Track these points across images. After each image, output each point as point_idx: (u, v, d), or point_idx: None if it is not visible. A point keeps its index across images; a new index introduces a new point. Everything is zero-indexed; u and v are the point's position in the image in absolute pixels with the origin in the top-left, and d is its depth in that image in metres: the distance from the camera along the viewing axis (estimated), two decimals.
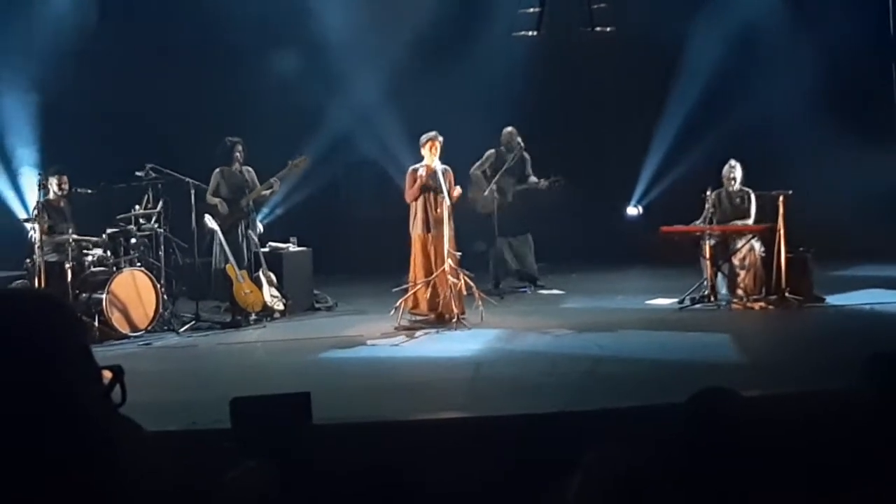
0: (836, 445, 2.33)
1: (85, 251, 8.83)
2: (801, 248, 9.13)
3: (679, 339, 7.76)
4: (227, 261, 9.16)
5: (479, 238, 10.66)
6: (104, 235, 8.99)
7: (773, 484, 2.13)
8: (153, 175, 9.20)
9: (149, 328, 8.69)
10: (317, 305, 10.06)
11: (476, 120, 11.08)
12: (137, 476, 1.59)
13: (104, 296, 8.36)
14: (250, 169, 9.67)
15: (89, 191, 9.28)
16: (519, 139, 10.52)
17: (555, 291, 10.63)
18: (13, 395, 1.52)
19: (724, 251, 9.21)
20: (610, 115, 12.82)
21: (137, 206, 9.15)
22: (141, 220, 9.14)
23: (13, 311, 1.62)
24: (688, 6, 12.21)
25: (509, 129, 10.64)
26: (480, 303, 8.60)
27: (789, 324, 8.55)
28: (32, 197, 9.64)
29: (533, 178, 10.57)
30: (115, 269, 8.76)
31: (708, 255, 9.17)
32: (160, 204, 9.14)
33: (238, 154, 9.57)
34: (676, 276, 10.02)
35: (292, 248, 10.25)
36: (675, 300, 9.32)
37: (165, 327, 8.86)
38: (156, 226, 9.16)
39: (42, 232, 8.52)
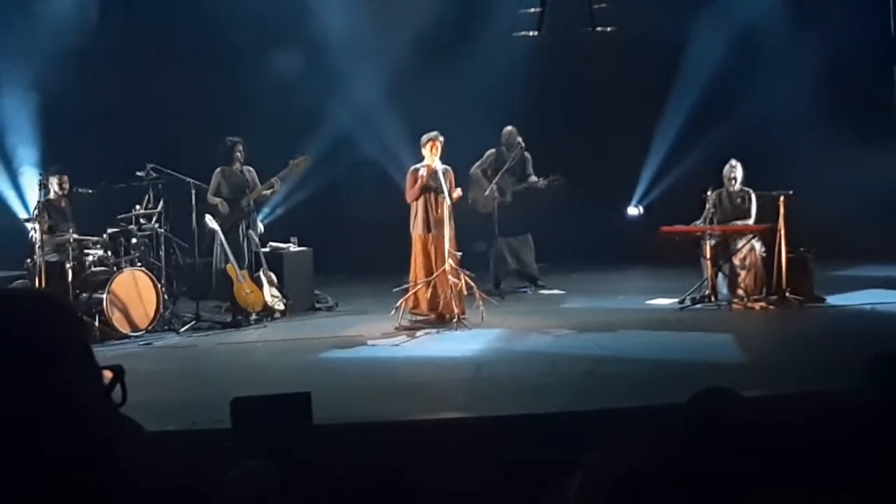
0: (837, 446, 2.33)
1: (85, 251, 8.83)
2: (801, 249, 9.13)
3: (679, 339, 7.76)
4: (227, 261, 9.16)
5: (480, 238, 10.66)
6: (105, 235, 8.99)
7: (774, 484, 2.13)
8: (154, 175, 9.20)
9: (149, 328, 8.69)
10: (317, 305, 10.06)
11: (476, 120, 11.08)
12: (137, 476, 1.59)
13: (105, 296, 8.36)
14: (251, 169, 9.67)
15: (90, 190, 9.28)
16: (519, 139, 10.52)
17: (555, 291, 10.63)
18: (13, 395, 1.52)
19: (724, 251, 9.21)
20: (610, 115, 12.81)
21: (138, 206, 9.16)
22: (142, 220, 9.14)
23: (13, 310, 1.62)
24: (688, 6, 12.21)
25: (509, 128, 10.64)
26: (481, 303, 8.61)
27: (790, 324, 8.55)
28: (33, 197, 9.65)
29: (533, 178, 10.57)
30: (115, 268, 8.76)
31: (708, 255, 9.17)
32: (161, 204, 9.15)
33: (238, 154, 9.56)
34: (677, 277, 10.02)
35: (293, 247, 10.24)
36: (676, 300, 9.32)
37: (166, 327, 8.87)
38: (156, 226, 9.16)
39: (42, 232, 8.51)
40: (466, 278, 8.64)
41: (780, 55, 12.41)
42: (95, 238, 8.94)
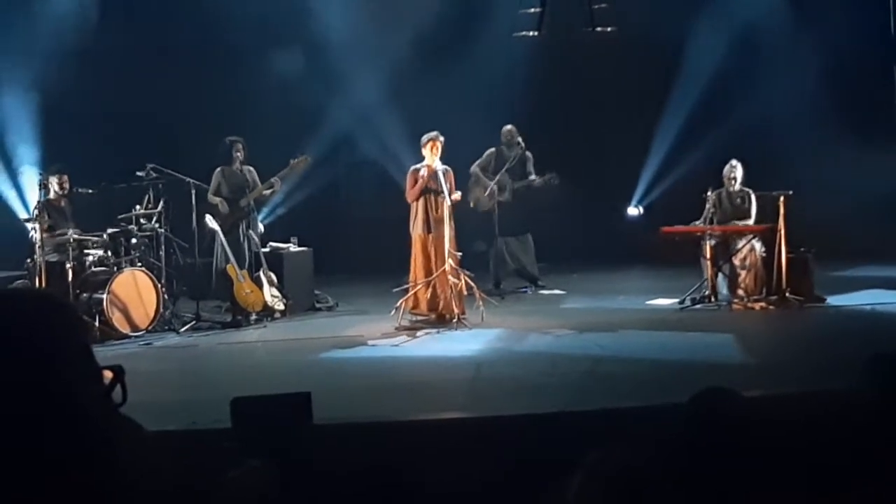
0: (837, 446, 2.33)
1: (85, 251, 8.83)
2: (801, 249, 9.13)
3: (680, 339, 7.76)
4: (227, 261, 9.16)
5: (480, 238, 10.66)
6: (105, 235, 8.99)
7: (774, 484, 2.13)
8: (154, 175, 9.20)
9: (149, 328, 8.69)
10: (317, 305, 10.06)
11: (476, 120, 11.08)
12: (137, 476, 1.59)
13: (105, 296, 8.36)
14: (251, 168, 9.66)
15: (90, 190, 9.28)
16: (519, 139, 10.51)
17: (555, 291, 10.63)
18: (13, 395, 1.52)
19: (724, 251, 9.21)
20: (610, 115, 12.81)
21: (138, 206, 9.16)
22: (142, 220, 9.14)
23: (14, 310, 1.62)
24: (689, 6, 12.21)
25: (509, 126, 10.64)
26: (481, 303, 8.61)
27: (790, 324, 8.55)
28: (33, 197, 9.65)
29: (532, 176, 10.56)
30: (115, 268, 8.76)
31: (708, 256, 9.17)
32: (161, 204, 9.14)
33: (238, 153, 9.55)
34: (677, 277, 10.02)
35: (293, 248, 10.24)
36: (676, 300, 9.33)
37: (166, 327, 8.87)
38: (156, 226, 9.16)
39: (43, 231, 8.51)
40: (466, 278, 8.64)
41: (780, 55, 12.42)
42: (95, 238, 8.93)
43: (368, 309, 9.70)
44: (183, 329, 8.80)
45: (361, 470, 4.15)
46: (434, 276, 8.63)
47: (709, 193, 9.23)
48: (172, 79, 11.60)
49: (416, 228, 8.82)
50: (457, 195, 8.78)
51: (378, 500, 4.15)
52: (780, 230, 8.91)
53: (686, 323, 8.45)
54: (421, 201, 8.79)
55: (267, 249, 9.81)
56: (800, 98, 11.80)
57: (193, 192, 9.30)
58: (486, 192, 10.42)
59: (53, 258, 8.71)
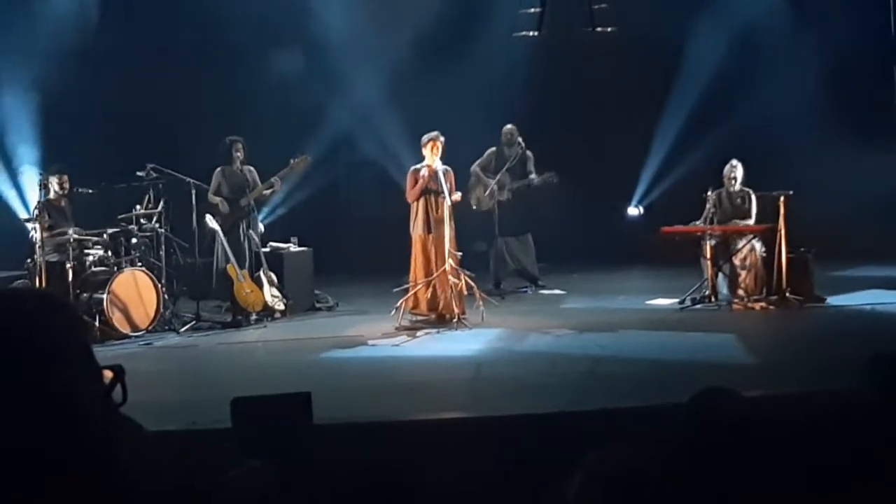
0: (837, 446, 2.33)
1: (86, 251, 8.83)
2: (801, 249, 9.13)
3: (680, 339, 7.76)
4: (227, 260, 9.17)
5: (480, 238, 10.67)
6: (105, 235, 8.99)
7: (774, 484, 2.13)
8: (154, 175, 9.20)
9: (149, 328, 8.69)
10: (317, 305, 10.06)
11: (476, 120, 11.08)
12: (138, 476, 1.59)
13: (105, 295, 8.36)
14: (252, 168, 9.66)
15: (90, 190, 9.28)
16: (519, 139, 10.51)
17: (556, 291, 10.63)
18: (14, 395, 1.52)
19: (724, 251, 9.21)
20: (611, 115, 12.82)
21: (138, 206, 9.16)
22: (142, 220, 9.14)
23: (14, 310, 1.62)
24: (689, 7, 12.21)
25: (509, 126, 10.65)
26: (481, 303, 8.61)
27: (790, 324, 8.55)
28: (33, 196, 9.65)
29: (532, 175, 10.56)
30: (116, 268, 8.76)
31: (709, 256, 9.17)
32: (161, 204, 9.14)
33: (238, 153, 9.55)
34: (677, 277, 10.03)
35: (293, 247, 10.24)
36: (676, 300, 9.33)
37: (166, 327, 8.87)
38: (157, 226, 9.16)
39: (43, 231, 8.51)
40: (466, 278, 8.64)
41: (781, 55, 12.42)
42: (95, 238, 8.93)
43: (368, 309, 9.70)
44: (183, 329, 8.80)
45: (362, 470, 4.15)
46: (434, 276, 8.63)
47: (709, 193, 9.23)
48: (172, 79, 11.60)
49: (417, 229, 8.82)
50: (457, 195, 8.79)
51: (378, 500, 4.15)
52: (781, 230, 8.91)
53: (686, 323, 8.45)
54: (421, 201, 8.79)
55: (267, 249, 9.81)
56: (800, 98, 11.80)
57: (193, 191, 9.30)
58: (487, 192, 10.43)
59: (53, 258, 8.71)
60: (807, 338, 7.92)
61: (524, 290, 10.80)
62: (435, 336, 8.23)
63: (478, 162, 10.65)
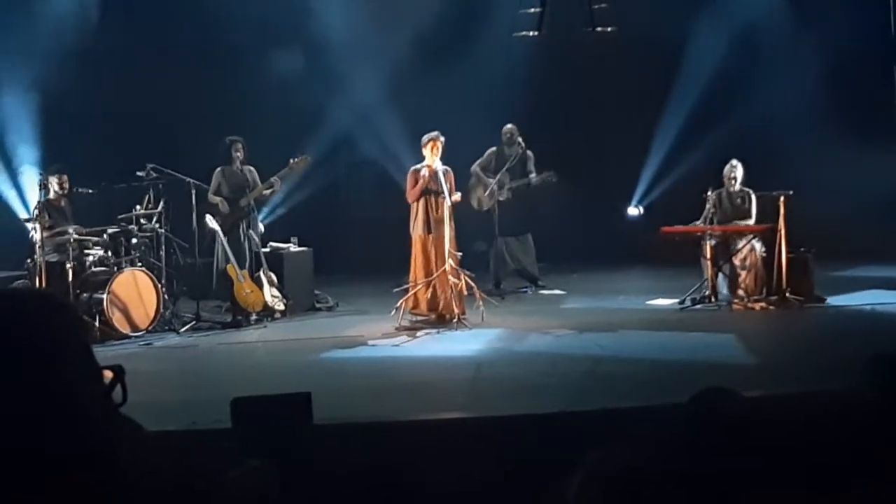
0: (837, 446, 2.33)
1: (86, 251, 8.83)
2: (801, 249, 9.13)
3: (680, 339, 7.76)
4: (227, 261, 9.17)
5: (480, 238, 10.67)
6: (105, 235, 8.99)
7: (774, 484, 2.13)
8: (154, 175, 9.20)
9: (149, 328, 8.69)
10: (317, 305, 10.06)
11: (476, 120, 11.08)
12: (138, 476, 1.59)
13: (105, 296, 8.36)
14: (252, 168, 9.66)
15: (90, 190, 9.28)
16: (519, 139, 10.51)
17: (556, 291, 10.63)
18: (14, 395, 1.52)
19: (724, 251, 9.21)
20: (611, 115, 12.82)
21: (138, 206, 9.15)
22: (142, 220, 9.14)
23: (14, 310, 1.62)
24: (689, 6, 12.21)
25: (509, 125, 10.65)
26: (481, 303, 8.61)
27: (790, 324, 8.55)
28: (33, 197, 9.65)
29: (532, 175, 10.55)
30: (116, 269, 8.76)
31: (709, 256, 9.17)
32: (161, 204, 9.14)
33: (237, 153, 9.54)
34: (677, 277, 10.02)
35: (293, 248, 10.24)
36: (676, 300, 9.33)
37: (166, 327, 8.87)
38: (157, 226, 9.16)
39: (43, 230, 8.52)
40: (466, 278, 8.64)
41: (781, 55, 12.42)
42: (95, 238, 8.93)
43: (368, 309, 9.70)
44: (183, 329, 8.80)
45: (362, 470, 4.15)
46: (434, 276, 8.63)
47: (709, 193, 9.23)
48: (172, 79, 11.60)
49: (417, 229, 8.82)
50: (457, 196, 8.79)
51: (378, 500, 4.15)
52: (781, 230, 8.91)
53: (686, 323, 8.45)
54: (421, 202, 8.79)
55: (267, 249, 9.81)
56: (800, 98, 11.80)
57: (193, 191, 9.30)
58: (487, 192, 10.43)
59: (53, 258, 8.71)
60: (807, 338, 7.92)
61: (524, 290, 10.80)
62: (435, 336, 8.23)
63: (478, 162, 10.66)
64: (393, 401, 5.95)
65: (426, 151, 8.80)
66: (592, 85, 12.95)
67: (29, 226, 8.89)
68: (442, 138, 8.80)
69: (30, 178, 10.44)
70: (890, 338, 7.28)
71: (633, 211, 12.24)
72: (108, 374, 1.65)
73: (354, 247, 12.14)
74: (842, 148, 11.39)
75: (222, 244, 9.20)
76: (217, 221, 9.23)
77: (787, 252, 8.90)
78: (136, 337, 8.50)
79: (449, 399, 6.04)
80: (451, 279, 8.50)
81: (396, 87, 12.05)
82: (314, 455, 3.96)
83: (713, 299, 9.15)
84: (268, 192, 9.70)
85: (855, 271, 10.77)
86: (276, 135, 10.97)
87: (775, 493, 2.13)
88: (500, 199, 10.46)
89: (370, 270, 11.39)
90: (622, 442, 2.23)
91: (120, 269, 8.68)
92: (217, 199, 9.45)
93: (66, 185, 9.17)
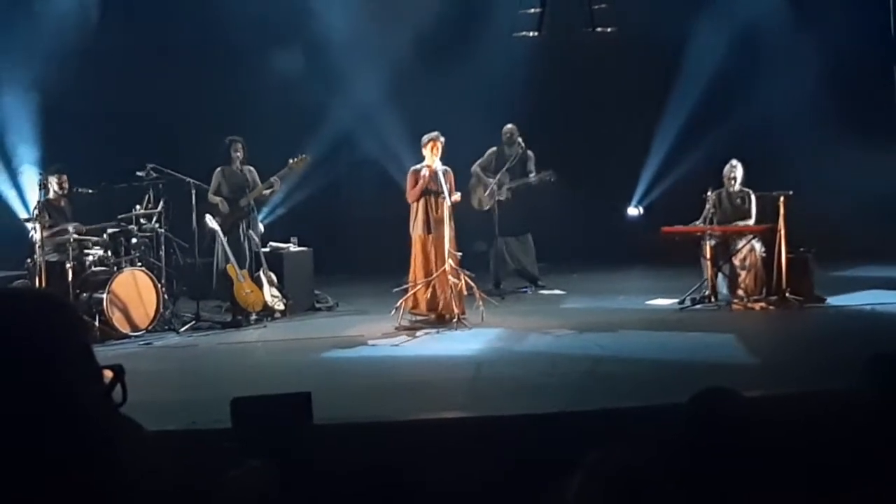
0: (837, 446, 2.33)
1: (86, 251, 8.83)
2: (801, 249, 9.13)
3: (680, 339, 7.76)
4: (227, 260, 9.17)
5: (480, 238, 10.67)
6: (105, 235, 8.99)
7: (774, 484, 2.13)
8: (154, 175, 9.20)
9: (149, 328, 8.69)
10: (317, 305, 10.07)
11: (477, 120, 11.08)
12: (137, 476, 1.59)
13: (105, 295, 8.36)
14: (252, 168, 9.66)
15: (90, 190, 9.28)
16: (519, 139, 10.51)
17: (555, 291, 10.63)
18: (14, 395, 1.52)
19: (724, 251, 9.21)
20: (611, 115, 12.81)
21: (138, 206, 9.15)
22: (142, 220, 9.14)
23: (14, 310, 1.61)
24: (689, 7, 12.21)
25: (510, 125, 10.65)
26: (481, 303, 8.61)
27: (790, 324, 8.55)
28: (33, 196, 9.65)
29: (532, 175, 10.55)
30: (115, 268, 8.76)
31: (708, 256, 9.17)
32: (161, 204, 9.14)
33: (237, 153, 9.54)
34: (677, 277, 10.03)
35: (293, 247, 10.25)
36: (676, 300, 9.33)
37: (166, 327, 8.87)
38: (157, 226, 9.16)
39: (42, 230, 8.52)
40: (466, 278, 8.64)
41: (781, 55, 12.41)
42: (95, 238, 8.93)
43: (368, 309, 9.70)
44: (183, 329, 8.81)
45: (361, 470, 4.15)
46: (434, 276, 8.63)
47: (709, 193, 9.23)
48: (173, 79, 11.60)
49: (417, 229, 8.82)
50: (457, 196, 8.79)
51: (378, 500, 4.15)
52: (780, 230, 8.91)
53: (686, 323, 8.46)
54: (421, 202, 8.79)
55: (267, 249, 9.81)
56: (800, 98, 11.80)
57: (193, 191, 9.30)
58: (487, 192, 10.43)
59: (53, 258, 8.72)
60: (807, 338, 7.92)
61: (524, 290, 10.80)
62: (435, 336, 8.24)
63: (478, 162, 10.66)
64: (393, 401, 5.95)
65: (426, 151, 8.80)
66: (592, 85, 12.95)
67: (29, 225, 8.90)
68: (442, 138, 8.80)
69: (30, 177, 10.44)
70: (890, 338, 7.28)
71: (633, 211, 12.23)
72: (108, 374, 1.65)
73: (354, 247, 12.14)
74: (842, 148, 11.39)
75: (222, 244, 9.20)
76: (217, 221, 9.24)
77: (787, 252, 8.90)
78: (135, 337, 8.50)
79: (449, 399, 6.04)
80: (451, 279, 8.51)
81: (397, 86, 12.05)
82: (314, 455, 3.96)
83: (713, 299, 9.15)
84: (267, 191, 9.70)
85: (855, 271, 10.77)
86: (276, 135, 10.97)
87: (775, 494, 2.13)
88: (500, 198, 10.46)
89: (370, 270, 11.39)
90: (622, 442, 2.23)
91: (120, 269, 8.69)
92: (217, 199, 9.45)
93: (66, 185, 9.17)
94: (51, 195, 9.06)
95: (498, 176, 10.42)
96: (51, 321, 1.61)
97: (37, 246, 8.48)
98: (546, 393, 5.93)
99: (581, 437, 4.31)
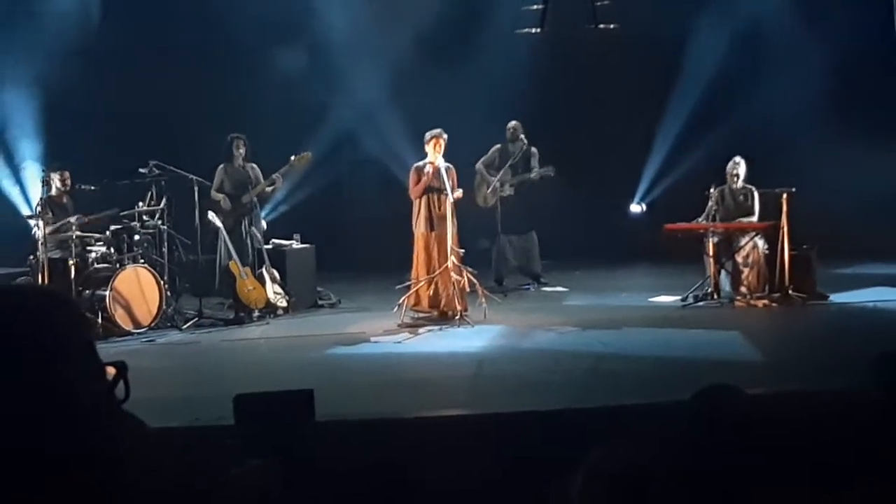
0: (840, 444, 2.33)
1: (88, 248, 8.83)
2: (804, 246, 9.12)
3: (683, 336, 7.76)
4: (230, 257, 9.17)
5: (483, 235, 10.66)
6: (107, 232, 8.99)
7: (777, 481, 2.13)
8: (156, 172, 9.20)
9: (152, 325, 8.69)
10: (320, 302, 10.07)
11: (479, 118, 11.06)
12: (140, 473, 1.59)
13: (107, 292, 8.37)
14: (255, 166, 9.67)
15: (92, 187, 9.27)
16: (522, 136, 10.50)
17: (558, 289, 10.62)
18: (16, 393, 1.52)
19: (727, 248, 9.21)
20: (613, 112, 12.80)
21: (141, 203, 9.15)
22: (144, 217, 9.14)
23: (17, 307, 1.61)
24: (691, 3, 12.20)
25: (514, 122, 10.64)
26: (483, 300, 8.61)
27: (793, 321, 8.54)
28: (35, 193, 9.65)
29: (534, 170, 10.54)
30: (118, 265, 8.77)
31: (711, 253, 9.17)
32: (164, 201, 9.14)
33: (239, 150, 9.54)
34: (680, 274, 10.02)
35: (296, 245, 10.25)
36: (679, 298, 9.32)
37: (169, 324, 8.87)
38: (159, 222, 9.16)
39: (45, 227, 8.52)
40: (469, 275, 8.64)
41: (783, 53, 12.39)
42: (98, 235, 8.94)
43: (371, 306, 9.70)
44: (185, 326, 8.81)
45: (364, 467, 4.15)
46: (436, 273, 8.63)
47: (712, 190, 9.23)
48: (174, 77, 11.60)
49: (419, 226, 8.81)
50: (459, 192, 8.77)
51: (381, 497, 4.16)
52: (783, 227, 8.90)
53: (689, 320, 8.45)
54: (423, 199, 8.79)
55: (270, 246, 9.82)
56: (803, 96, 11.77)
57: (196, 188, 9.29)
58: (490, 189, 10.43)
59: (56, 255, 8.72)
60: (809, 335, 7.91)
61: (526, 287, 10.79)
62: (437, 333, 8.24)
63: (482, 159, 10.65)
64: (395, 397, 5.95)
65: (429, 148, 8.79)
66: (595, 82, 12.93)
67: (31, 222, 8.90)
68: (445, 135, 8.79)
69: (32, 174, 10.45)
70: (893, 335, 7.28)
71: (636, 208, 12.23)
72: (111, 371, 1.64)
73: (357, 244, 12.14)
74: (844, 145, 11.37)
75: (225, 241, 9.21)
76: (219, 218, 9.24)
77: (790, 249, 8.89)
78: (138, 333, 8.51)
79: (451, 396, 6.04)
80: (454, 276, 8.50)
81: (399, 84, 12.04)
82: (316, 452, 3.96)
83: (716, 296, 9.14)
84: (270, 189, 9.70)
85: (857, 268, 10.75)
86: (277, 134, 10.96)
87: (778, 491, 2.12)
88: (503, 195, 10.46)
89: (372, 267, 11.39)
90: (625, 439, 2.23)
91: (122, 266, 8.69)
92: (219, 196, 9.45)
93: (69, 182, 9.17)
94: (53, 192, 9.07)
95: (500, 173, 10.42)
96: (53, 318, 1.61)
97: (39, 243, 8.49)
98: (549, 390, 5.93)
99: (584, 434, 4.30)
